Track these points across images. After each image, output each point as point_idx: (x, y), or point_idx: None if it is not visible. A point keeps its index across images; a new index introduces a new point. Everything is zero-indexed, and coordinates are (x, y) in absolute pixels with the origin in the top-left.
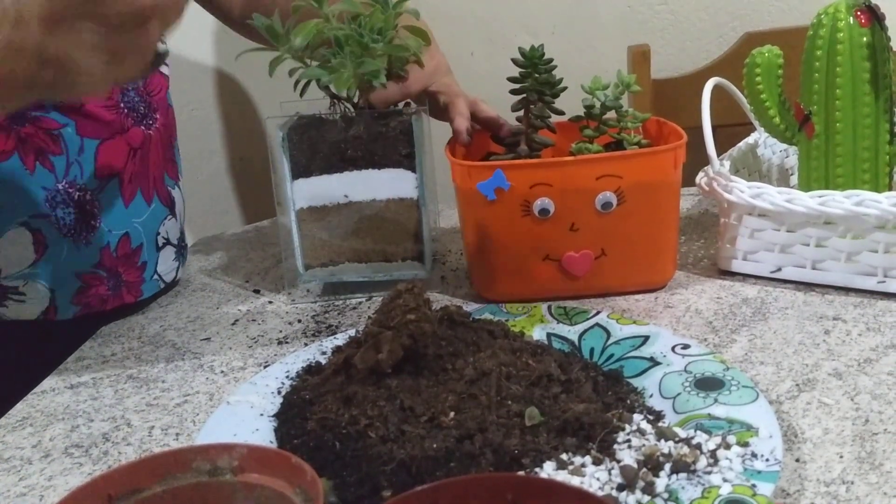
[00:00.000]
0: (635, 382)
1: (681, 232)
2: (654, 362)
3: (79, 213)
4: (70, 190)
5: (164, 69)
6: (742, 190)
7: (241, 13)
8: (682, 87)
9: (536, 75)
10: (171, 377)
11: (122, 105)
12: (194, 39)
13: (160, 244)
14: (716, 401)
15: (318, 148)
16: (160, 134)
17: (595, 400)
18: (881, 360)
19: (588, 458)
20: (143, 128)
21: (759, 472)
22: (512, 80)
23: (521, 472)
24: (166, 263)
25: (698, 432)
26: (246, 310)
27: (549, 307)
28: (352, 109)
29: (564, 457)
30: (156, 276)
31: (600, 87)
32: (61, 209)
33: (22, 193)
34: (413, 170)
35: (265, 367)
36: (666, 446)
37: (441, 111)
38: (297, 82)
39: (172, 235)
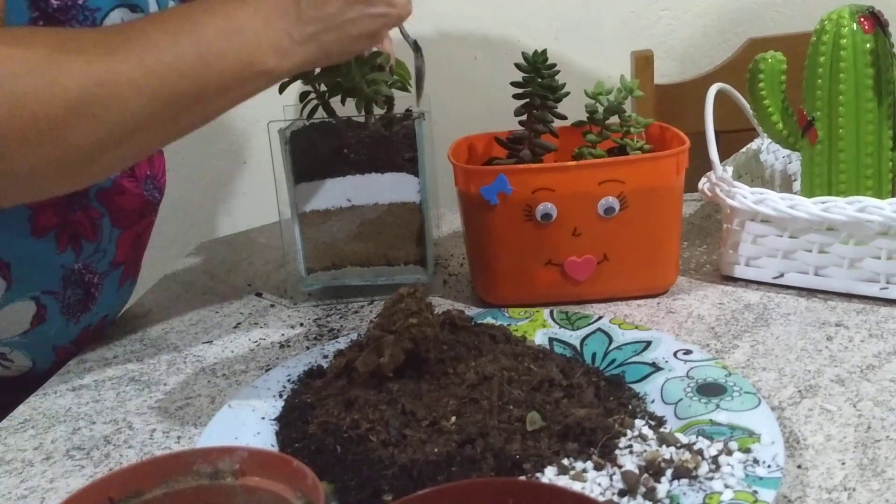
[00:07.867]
0: (637, 388)
1: (683, 237)
2: (655, 368)
3: (83, 294)
4: (83, 271)
5: None
6: (745, 195)
7: None
8: (685, 92)
9: (539, 80)
10: (172, 380)
11: (144, 192)
12: None
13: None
14: (718, 406)
15: (321, 152)
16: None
17: (597, 405)
18: (884, 367)
19: (589, 464)
20: (153, 216)
21: (761, 478)
22: (515, 84)
23: (523, 477)
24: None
25: (700, 438)
26: (248, 313)
27: (551, 312)
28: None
29: (566, 462)
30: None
31: (603, 91)
32: (71, 289)
33: (43, 270)
34: (416, 174)
35: (267, 370)
36: (667, 452)
37: None
38: (305, 104)
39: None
